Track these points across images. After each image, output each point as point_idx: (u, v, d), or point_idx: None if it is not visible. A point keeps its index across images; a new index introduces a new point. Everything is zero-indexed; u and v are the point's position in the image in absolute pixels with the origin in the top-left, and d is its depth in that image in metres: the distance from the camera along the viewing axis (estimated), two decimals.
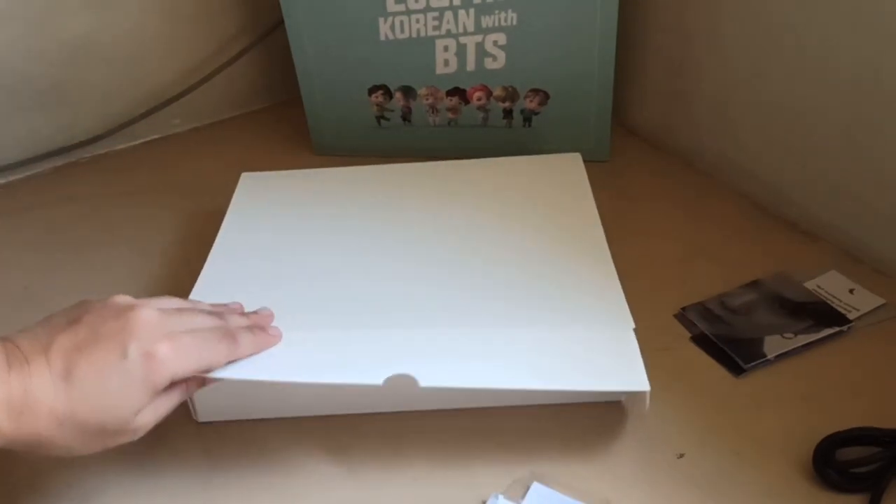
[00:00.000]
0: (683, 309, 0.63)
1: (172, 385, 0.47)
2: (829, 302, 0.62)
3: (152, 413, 0.46)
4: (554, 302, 0.56)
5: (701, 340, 0.60)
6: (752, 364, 0.57)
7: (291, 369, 0.51)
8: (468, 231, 0.64)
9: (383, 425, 0.55)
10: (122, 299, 0.48)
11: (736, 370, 0.57)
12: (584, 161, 0.71)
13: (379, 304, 0.56)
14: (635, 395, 0.55)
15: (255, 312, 0.54)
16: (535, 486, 0.50)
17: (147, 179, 0.84)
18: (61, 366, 0.43)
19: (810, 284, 0.63)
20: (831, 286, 0.63)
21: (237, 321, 0.52)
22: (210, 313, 0.51)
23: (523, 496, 0.49)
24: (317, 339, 0.53)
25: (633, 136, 0.84)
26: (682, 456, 0.52)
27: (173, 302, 0.51)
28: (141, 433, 0.46)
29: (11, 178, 0.85)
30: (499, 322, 0.55)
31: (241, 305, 0.55)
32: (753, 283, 0.64)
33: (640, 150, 0.82)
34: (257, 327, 0.52)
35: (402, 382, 0.49)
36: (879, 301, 0.62)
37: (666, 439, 0.53)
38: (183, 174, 0.84)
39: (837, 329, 0.59)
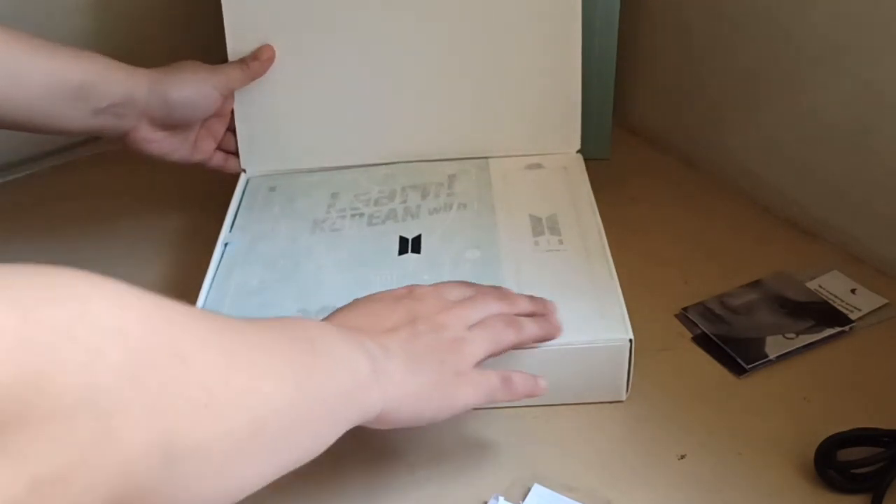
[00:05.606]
0: (684, 309, 0.62)
1: None
2: (830, 302, 0.62)
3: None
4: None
5: (702, 340, 0.60)
6: (754, 364, 0.57)
7: None
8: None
9: None
10: (454, 295, 0.51)
11: (737, 370, 0.57)
12: (585, 160, 0.71)
13: None
14: (629, 385, 0.55)
15: (541, 299, 0.54)
16: (536, 488, 0.50)
17: (147, 179, 0.83)
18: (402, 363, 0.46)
19: (812, 284, 0.63)
20: (833, 286, 0.63)
21: (523, 306, 0.53)
22: (499, 298, 0.52)
23: (524, 497, 0.49)
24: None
25: (633, 136, 0.84)
26: (683, 457, 0.52)
27: (465, 290, 0.52)
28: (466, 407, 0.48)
29: (11, 177, 0.85)
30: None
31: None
32: (755, 283, 0.64)
33: (640, 149, 0.82)
34: (541, 315, 0.53)
35: None
36: (881, 301, 0.61)
37: (667, 440, 0.53)
38: (183, 174, 0.84)
39: (839, 329, 0.59)
